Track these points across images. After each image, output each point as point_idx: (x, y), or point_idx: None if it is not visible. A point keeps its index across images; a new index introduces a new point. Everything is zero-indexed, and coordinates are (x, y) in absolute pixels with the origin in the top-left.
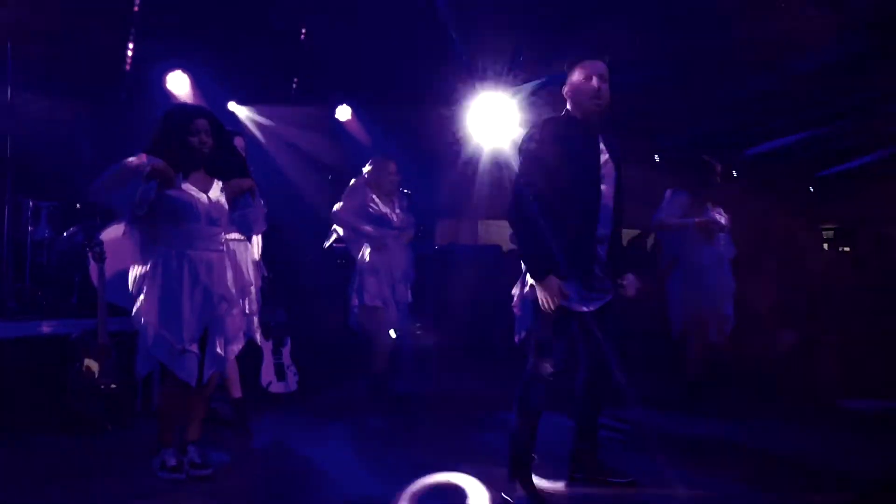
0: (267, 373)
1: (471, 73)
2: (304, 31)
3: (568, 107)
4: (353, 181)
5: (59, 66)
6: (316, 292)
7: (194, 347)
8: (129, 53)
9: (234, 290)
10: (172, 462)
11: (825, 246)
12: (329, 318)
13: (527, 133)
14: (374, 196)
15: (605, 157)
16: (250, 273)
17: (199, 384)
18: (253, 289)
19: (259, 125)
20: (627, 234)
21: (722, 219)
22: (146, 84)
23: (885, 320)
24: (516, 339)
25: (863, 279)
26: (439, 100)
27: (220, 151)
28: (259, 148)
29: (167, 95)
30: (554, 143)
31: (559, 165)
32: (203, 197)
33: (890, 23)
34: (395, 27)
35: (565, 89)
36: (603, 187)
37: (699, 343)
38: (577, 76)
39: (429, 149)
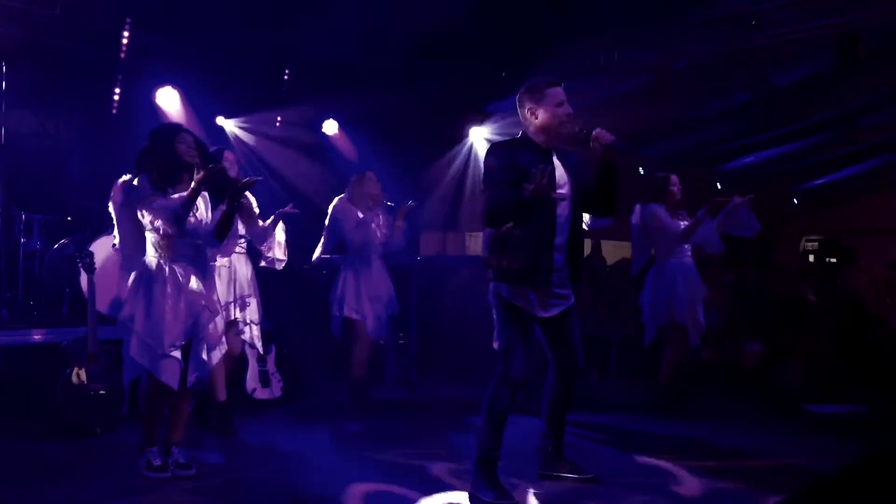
0: (252, 380)
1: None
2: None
3: (530, 129)
4: (335, 200)
5: (50, 82)
6: (299, 302)
7: (176, 353)
8: (119, 69)
9: (219, 299)
10: (157, 462)
11: (810, 257)
12: (312, 327)
13: (485, 154)
14: (356, 210)
15: (560, 172)
16: (250, 285)
17: (181, 388)
18: (253, 300)
19: (247, 138)
20: (617, 246)
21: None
22: (136, 100)
23: (851, 329)
24: (495, 345)
25: (832, 291)
26: (427, 113)
27: (206, 166)
28: (247, 161)
29: (157, 111)
30: (508, 164)
31: (514, 184)
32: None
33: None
34: (382, 42)
35: (533, 114)
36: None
37: (674, 350)
38: (548, 102)
39: (415, 160)
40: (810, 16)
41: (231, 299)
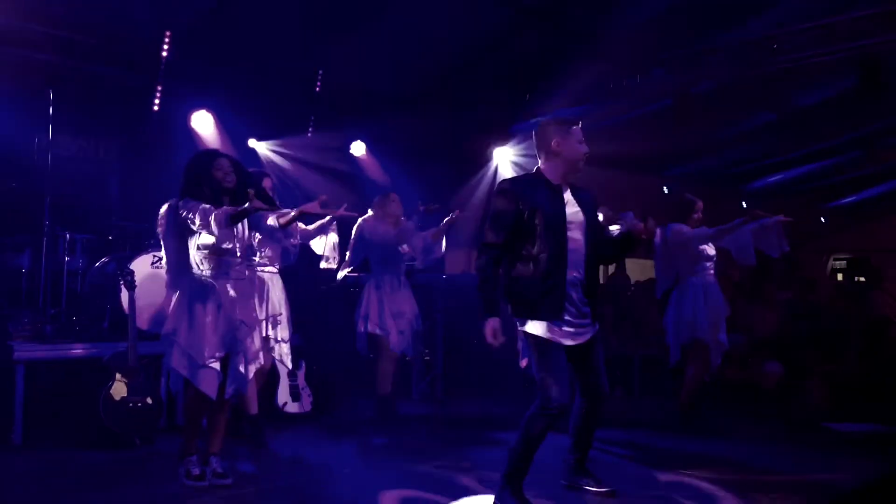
0: (283, 394)
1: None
2: (320, 73)
3: (544, 164)
4: (360, 219)
5: (90, 107)
6: (328, 319)
7: (215, 365)
8: (157, 95)
9: (256, 316)
10: (196, 471)
11: (839, 276)
12: (340, 343)
13: (495, 190)
14: (382, 229)
15: (573, 208)
16: (282, 304)
17: (219, 398)
18: (283, 317)
19: (279, 160)
20: (643, 265)
21: (710, 249)
22: (172, 124)
23: (877, 349)
24: (521, 364)
25: (860, 309)
26: (453, 135)
27: (244, 188)
28: (280, 181)
29: (191, 134)
30: (511, 206)
31: (527, 219)
32: (235, 230)
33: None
34: (410, 67)
35: (557, 146)
36: (571, 235)
37: (697, 369)
38: (571, 139)
39: (442, 180)
40: (831, 40)
41: (263, 317)
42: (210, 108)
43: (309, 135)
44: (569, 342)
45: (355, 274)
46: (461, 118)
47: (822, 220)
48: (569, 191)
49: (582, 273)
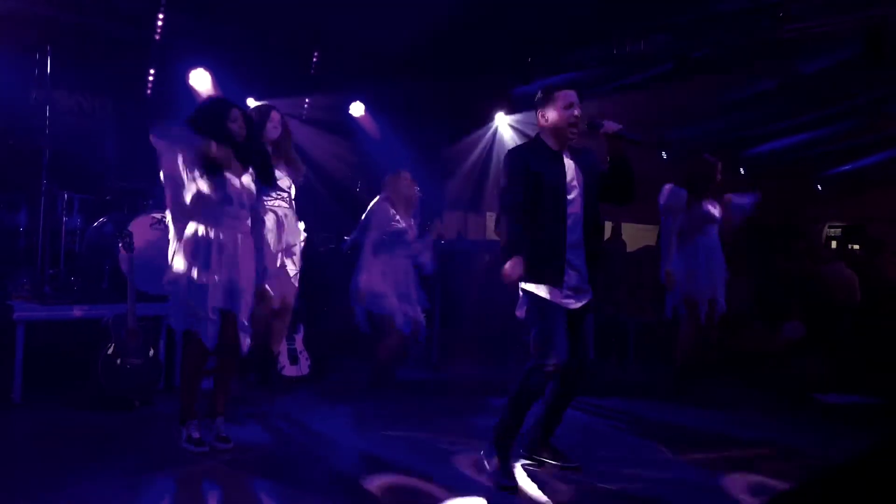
0: (281, 357)
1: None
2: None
3: (543, 131)
4: (372, 203)
5: (88, 63)
6: (325, 283)
7: (216, 315)
8: (154, 51)
9: (252, 274)
10: (196, 434)
11: (833, 244)
12: (340, 305)
13: (504, 158)
14: (394, 212)
15: (571, 173)
16: (294, 234)
17: (228, 356)
18: (298, 248)
19: None
20: (639, 229)
21: (716, 211)
22: (170, 81)
23: (872, 321)
24: (517, 313)
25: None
26: (453, 96)
27: (251, 142)
28: None
29: (190, 92)
30: (521, 167)
31: (528, 185)
32: (237, 181)
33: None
34: (411, 26)
35: (543, 117)
36: (571, 199)
37: (689, 327)
38: (556, 106)
39: (439, 139)
40: (835, 9)
41: (281, 248)
42: (208, 67)
43: (307, 95)
44: (570, 304)
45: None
46: (461, 81)
47: (819, 187)
48: (568, 155)
49: (580, 237)
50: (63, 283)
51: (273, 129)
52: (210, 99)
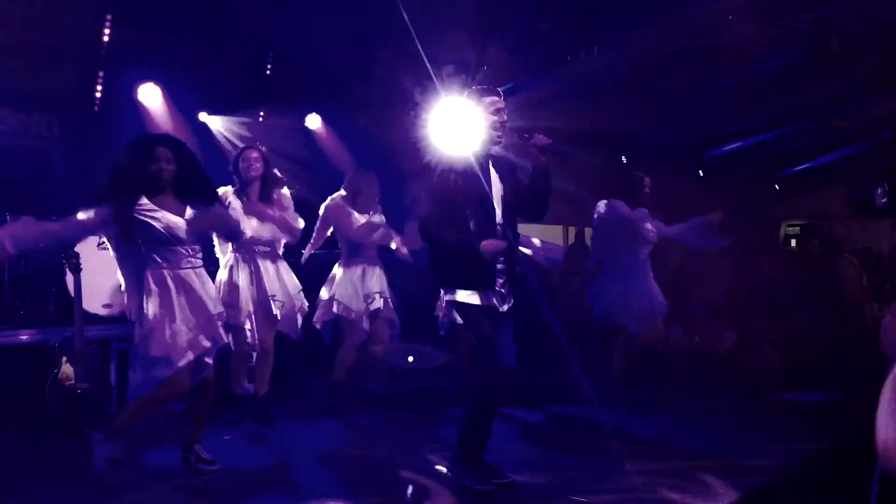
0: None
1: (435, 76)
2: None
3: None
4: (328, 199)
5: (31, 80)
6: None
7: (187, 360)
8: (101, 66)
9: (210, 310)
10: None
11: (792, 242)
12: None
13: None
14: (352, 211)
15: (494, 177)
16: (274, 282)
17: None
18: (279, 296)
19: (231, 135)
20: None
21: (651, 226)
22: (117, 97)
23: (827, 317)
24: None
25: (810, 278)
26: (404, 102)
27: (187, 174)
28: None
29: (138, 108)
30: (446, 177)
31: (453, 195)
32: (174, 219)
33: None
34: (358, 33)
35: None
36: (494, 204)
37: (622, 340)
38: (482, 109)
39: (397, 150)
40: (782, 11)
41: (264, 297)
42: (157, 81)
43: (262, 108)
44: (502, 307)
45: (322, 251)
46: (413, 85)
47: (777, 187)
48: (491, 160)
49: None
50: (8, 308)
51: (248, 168)
52: (132, 143)
